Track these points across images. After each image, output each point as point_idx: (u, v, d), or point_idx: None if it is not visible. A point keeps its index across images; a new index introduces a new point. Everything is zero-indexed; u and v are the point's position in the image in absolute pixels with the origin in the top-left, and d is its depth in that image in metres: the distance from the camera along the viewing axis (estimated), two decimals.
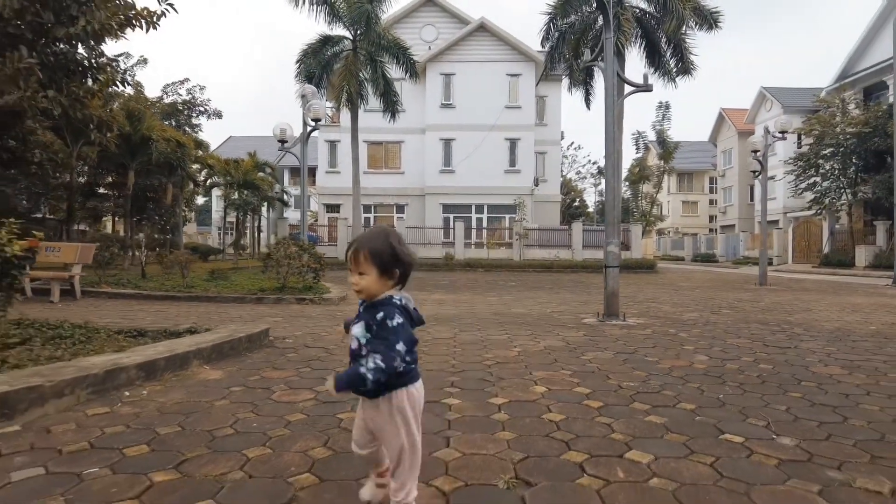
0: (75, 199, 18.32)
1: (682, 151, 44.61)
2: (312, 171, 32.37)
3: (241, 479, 2.19)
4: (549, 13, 22.86)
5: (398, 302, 1.70)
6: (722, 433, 2.78)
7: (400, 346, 1.62)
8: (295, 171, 47.46)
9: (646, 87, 7.74)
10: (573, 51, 22.66)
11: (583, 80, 24.36)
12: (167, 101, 38.54)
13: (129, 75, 29.39)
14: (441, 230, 27.30)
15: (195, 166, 25.88)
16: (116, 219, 27.21)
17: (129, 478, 2.19)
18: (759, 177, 15.56)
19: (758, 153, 14.92)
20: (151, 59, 58.96)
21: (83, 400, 3.23)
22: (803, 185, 28.05)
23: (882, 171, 23.22)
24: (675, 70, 23.06)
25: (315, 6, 21.27)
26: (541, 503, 2.01)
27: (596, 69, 22.37)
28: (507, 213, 28.45)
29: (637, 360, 4.64)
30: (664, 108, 39.53)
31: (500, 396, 3.45)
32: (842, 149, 25.59)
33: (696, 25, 22.04)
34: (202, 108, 40.99)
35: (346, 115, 24.74)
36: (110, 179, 22.14)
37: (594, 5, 19.99)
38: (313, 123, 12.25)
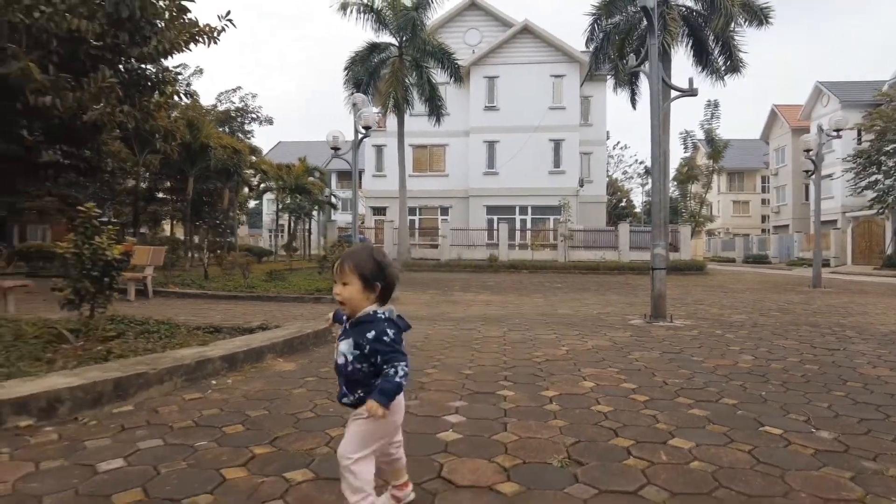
0: (139, 204, 19.44)
1: (733, 150, 43.30)
2: (359, 175, 33.09)
3: (327, 452, 2.54)
4: (594, 14, 22.84)
5: (383, 316, 1.82)
6: (762, 426, 2.96)
7: (403, 350, 1.83)
8: (342, 175, 48.58)
9: (691, 93, 7.80)
10: (618, 51, 22.47)
11: (628, 81, 24.07)
12: (221, 108, 40.29)
13: (187, 85, 30.95)
14: (485, 232, 27.46)
15: (249, 171, 26.91)
16: (175, 222, 28.52)
17: (233, 450, 2.57)
18: (813, 177, 15.16)
19: (811, 153, 14.53)
20: (206, 69, 61.54)
21: (179, 386, 3.67)
22: (863, 183, 26.97)
23: None
24: (723, 68, 22.52)
25: (362, 14, 22.00)
26: (591, 479, 2.26)
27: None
28: (551, 214, 28.40)
29: (682, 360, 4.80)
30: (713, 106, 38.40)
31: (551, 390, 3.71)
32: None
33: (745, 22, 21.52)
34: (254, 115, 42.69)
35: (392, 120, 25.34)
36: (169, 185, 23.31)
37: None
38: (364, 131, 12.72)
